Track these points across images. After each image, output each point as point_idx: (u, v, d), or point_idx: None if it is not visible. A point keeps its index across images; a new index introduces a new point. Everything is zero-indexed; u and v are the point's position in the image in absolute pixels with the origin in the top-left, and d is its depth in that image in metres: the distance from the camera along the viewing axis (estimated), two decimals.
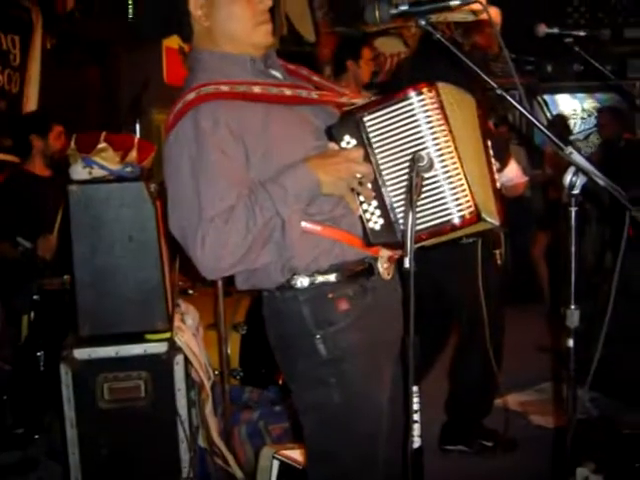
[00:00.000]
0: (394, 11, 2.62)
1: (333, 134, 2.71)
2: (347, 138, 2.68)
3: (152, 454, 4.21)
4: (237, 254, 2.55)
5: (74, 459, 4.13)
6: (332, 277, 2.73)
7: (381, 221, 2.67)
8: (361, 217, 2.70)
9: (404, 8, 2.61)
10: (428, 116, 2.56)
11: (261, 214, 2.54)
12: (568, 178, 2.64)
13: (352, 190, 2.68)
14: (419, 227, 2.50)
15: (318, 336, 2.72)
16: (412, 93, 2.58)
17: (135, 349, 4.19)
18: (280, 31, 10.33)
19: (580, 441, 2.83)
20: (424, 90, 2.58)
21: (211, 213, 2.53)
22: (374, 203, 2.67)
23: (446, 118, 2.59)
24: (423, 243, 2.62)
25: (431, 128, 2.56)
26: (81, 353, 4.14)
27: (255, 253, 2.59)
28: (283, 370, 2.94)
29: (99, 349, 4.16)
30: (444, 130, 2.57)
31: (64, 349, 4.18)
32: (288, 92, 2.79)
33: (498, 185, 2.89)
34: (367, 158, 2.63)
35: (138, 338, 4.22)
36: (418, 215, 2.42)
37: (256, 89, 2.71)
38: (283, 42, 10.25)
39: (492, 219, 2.69)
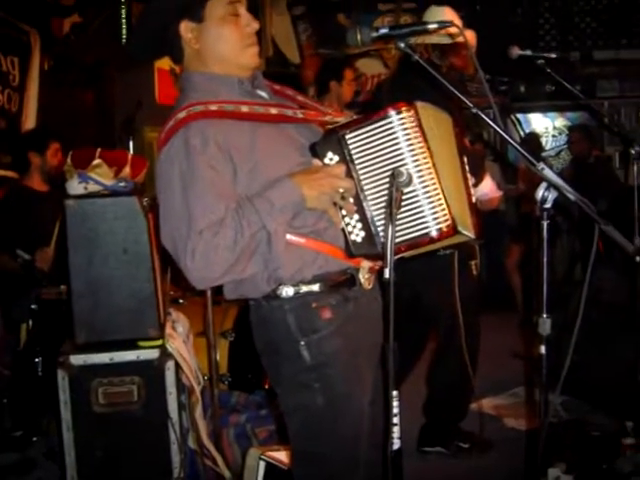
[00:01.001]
0: (375, 34, 2.64)
1: (317, 151, 2.71)
2: (330, 155, 2.68)
3: (144, 455, 4.20)
4: (225, 265, 2.54)
5: (70, 460, 4.11)
6: (316, 287, 2.73)
7: (362, 234, 2.67)
8: (343, 230, 2.70)
9: (384, 31, 2.64)
10: (407, 134, 2.56)
11: (248, 227, 2.54)
12: (540, 193, 2.65)
13: (335, 204, 2.68)
14: (399, 239, 2.50)
15: (302, 343, 2.72)
16: (392, 112, 2.58)
17: (128, 355, 4.18)
18: (266, 53, 10.33)
19: (551, 443, 2.83)
20: (403, 109, 2.58)
21: (201, 226, 2.53)
22: (356, 217, 2.67)
23: (424, 136, 2.59)
24: (403, 254, 2.62)
25: (410, 145, 2.56)
26: (77, 359, 4.13)
27: (242, 264, 2.59)
28: (269, 375, 2.94)
29: (94, 355, 4.15)
30: (422, 147, 2.58)
31: (61, 355, 4.17)
32: (274, 111, 2.79)
33: (473, 199, 2.89)
34: (349, 174, 2.63)
35: (131, 345, 4.21)
36: (398, 228, 2.43)
37: (243, 108, 2.71)
38: (269, 64, 10.26)
39: (468, 232, 2.69)
